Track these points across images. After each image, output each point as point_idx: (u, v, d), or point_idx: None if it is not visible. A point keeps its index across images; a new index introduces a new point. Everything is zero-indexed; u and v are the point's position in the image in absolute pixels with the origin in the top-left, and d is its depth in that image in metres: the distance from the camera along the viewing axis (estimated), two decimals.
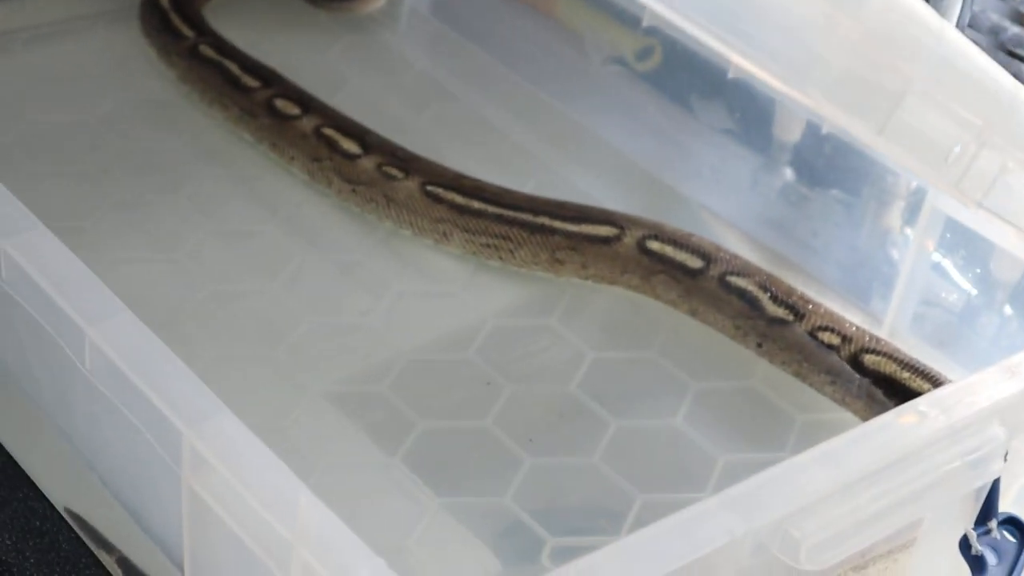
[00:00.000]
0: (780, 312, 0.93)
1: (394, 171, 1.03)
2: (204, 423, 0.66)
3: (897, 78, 0.63)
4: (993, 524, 0.74)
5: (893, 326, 0.96)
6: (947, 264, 0.94)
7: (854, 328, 0.92)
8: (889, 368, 0.89)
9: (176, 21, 1.17)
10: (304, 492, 0.63)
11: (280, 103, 1.09)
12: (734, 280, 0.95)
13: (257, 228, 1.03)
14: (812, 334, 0.92)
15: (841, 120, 0.62)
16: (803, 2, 0.60)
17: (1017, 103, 0.67)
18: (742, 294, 0.95)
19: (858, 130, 0.63)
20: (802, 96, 0.61)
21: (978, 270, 0.92)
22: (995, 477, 0.71)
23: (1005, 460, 0.71)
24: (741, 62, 0.59)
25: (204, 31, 1.17)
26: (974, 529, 0.73)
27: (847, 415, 0.91)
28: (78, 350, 0.71)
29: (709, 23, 0.60)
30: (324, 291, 0.98)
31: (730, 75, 0.95)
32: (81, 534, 0.83)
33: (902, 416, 0.69)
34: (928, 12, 0.63)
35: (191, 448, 0.66)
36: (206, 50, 1.15)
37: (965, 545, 0.73)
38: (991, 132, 0.67)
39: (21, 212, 0.78)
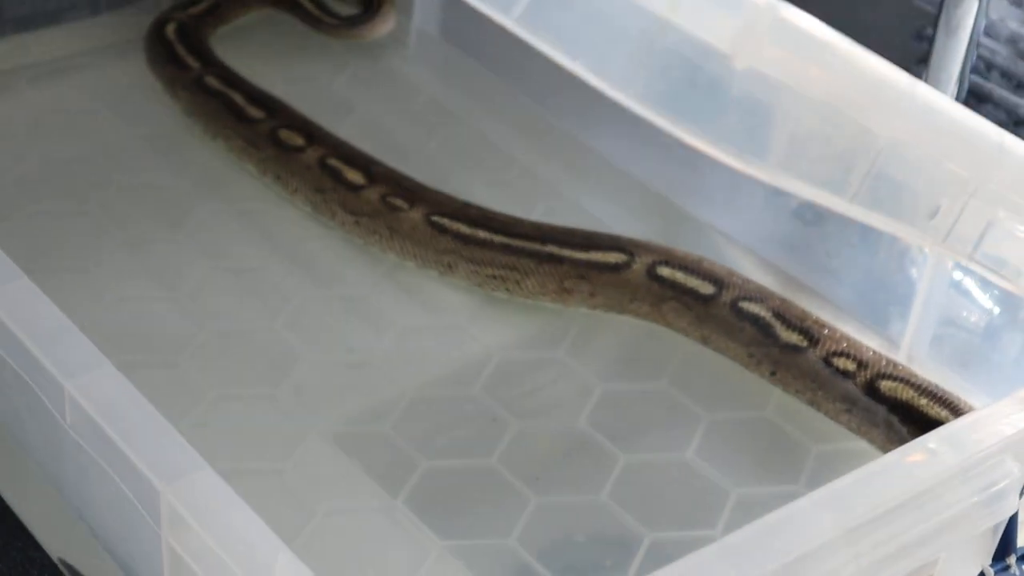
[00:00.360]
0: (794, 338, 0.91)
1: (398, 202, 1.01)
2: (181, 480, 0.64)
3: (869, 143, 0.60)
4: (1012, 560, 0.71)
5: (911, 349, 0.92)
6: (967, 282, 0.91)
7: (870, 353, 0.89)
8: (906, 394, 0.86)
9: (181, 52, 1.16)
10: (283, 553, 0.61)
11: (284, 134, 1.07)
12: (747, 306, 0.93)
13: (259, 263, 1.01)
14: (826, 360, 0.89)
15: (807, 192, 0.59)
16: (757, 75, 0.56)
17: (1003, 152, 0.64)
18: (755, 320, 0.92)
19: (828, 200, 0.60)
20: (761, 173, 0.57)
21: (997, 290, 0.89)
22: (1011, 513, 0.68)
23: (1022, 495, 0.68)
24: (693, 142, 0.56)
25: (210, 62, 1.15)
26: (992, 566, 0.70)
27: (864, 445, 0.88)
28: (58, 404, 0.70)
29: (655, 103, 0.57)
30: (327, 327, 0.96)
31: None
32: None
33: (910, 455, 0.66)
34: (897, 73, 0.60)
35: (169, 506, 0.64)
36: (211, 81, 1.13)
37: None
38: (977, 184, 0.64)
39: (2, 261, 0.76)
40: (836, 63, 0.57)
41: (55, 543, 0.83)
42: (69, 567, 0.82)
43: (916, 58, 1.11)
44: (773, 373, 0.91)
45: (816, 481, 0.85)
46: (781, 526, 0.63)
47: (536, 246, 0.97)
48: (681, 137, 0.56)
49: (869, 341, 0.92)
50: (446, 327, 0.97)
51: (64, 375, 0.69)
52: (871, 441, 0.87)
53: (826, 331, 0.91)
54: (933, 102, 0.61)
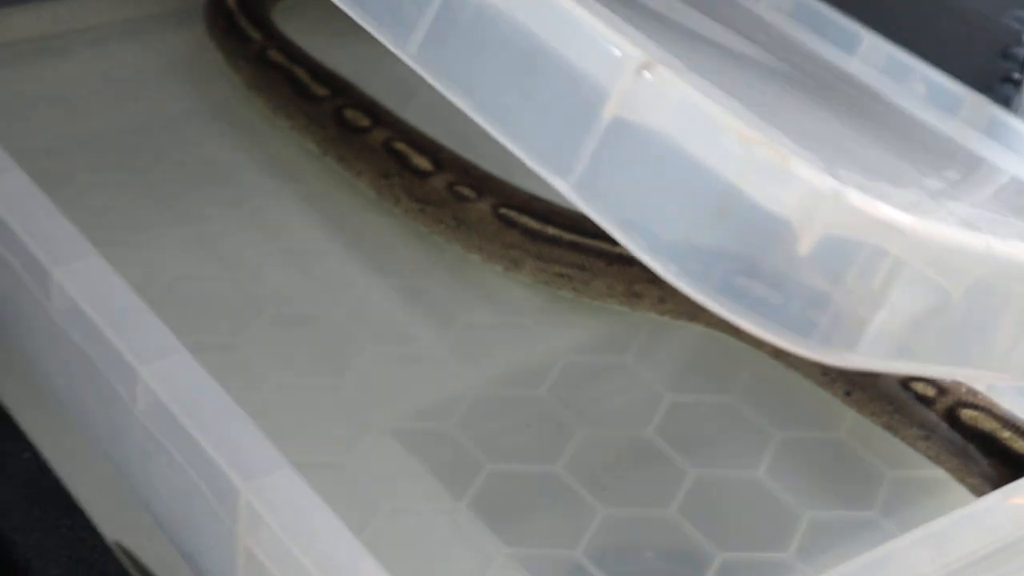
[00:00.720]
0: None
1: (466, 191, 0.98)
2: (263, 480, 0.62)
3: (941, 303, 0.56)
4: None
5: None
6: None
7: (950, 379, 0.87)
8: (989, 425, 0.84)
9: (243, 23, 1.14)
10: (367, 562, 0.59)
11: (349, 113, 1.05)
12: None
13: (321, 247, 0.99)
14: (904, 384, 0.87)
15: (871, 365, 0.55)
16: (818, 259, 0.53)
17: None
18: None
19: (891, 367, 0.56)
20: (823, 357, 0.54)
21: None
22: None
23: None
24: (749, 328, 0.53)
25: (272, 34, 1.13)
26: None
27: (941, 473, 0.85)
28: (129, 390, 0.68)
29: (710, 291, 0.54)
30: (390, 318, 0.94)
31: None
32: (131, 571, 0.79)
33: (1012, 496, 0.64)
34: (971, 236, 0.56)
35: (248, 505, 0.62)
36: (274, 55, 1.10)
37: None
38: None
39: (74, 237, 0.74)
40: (902, 241, 0.53)
41: (112, 526, 0.81)
42: (126, 552, 0.79)
43: (1000, 76, 1.09)
44: (848, 393, 0.89)
45: (891, 509, 0.83)
46: (879, 565, 0.61)
47: (607, 246, 0.95)
48: (737, 324, 0.53)
49: None
50: (510, 325, 0.94)
51: (138, 360, 0.67)
52: (949, 471, 0.85)
53: None
54: (1008, 255, 0.58)
